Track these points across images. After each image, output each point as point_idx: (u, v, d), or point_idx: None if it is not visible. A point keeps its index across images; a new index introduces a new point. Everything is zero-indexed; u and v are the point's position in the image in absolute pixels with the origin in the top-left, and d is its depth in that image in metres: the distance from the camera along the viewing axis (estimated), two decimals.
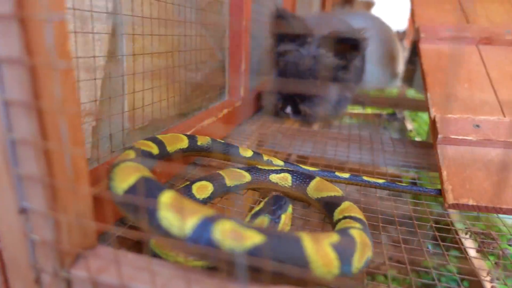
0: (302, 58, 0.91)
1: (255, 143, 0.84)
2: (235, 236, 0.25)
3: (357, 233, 0.35)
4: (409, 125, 1.35)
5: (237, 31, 0.89)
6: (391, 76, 1.75)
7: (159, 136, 0.47)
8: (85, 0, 0.48)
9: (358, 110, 1.47)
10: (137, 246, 0.45)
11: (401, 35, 1.85)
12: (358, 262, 0.32)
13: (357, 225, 0.38)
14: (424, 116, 1.52)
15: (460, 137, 0.62)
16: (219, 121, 0.74)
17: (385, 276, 0.42)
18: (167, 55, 0.68)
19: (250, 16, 0.91)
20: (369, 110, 1.47)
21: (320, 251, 0.28)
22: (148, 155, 0.39)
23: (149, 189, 0.27)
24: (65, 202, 0.25)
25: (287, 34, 0.93)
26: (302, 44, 0.92)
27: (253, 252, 0.25)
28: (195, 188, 0.48)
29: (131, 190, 0.28)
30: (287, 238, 0.27)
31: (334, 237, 0.31)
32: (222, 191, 0.52)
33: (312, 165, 0.70)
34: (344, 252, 0.30)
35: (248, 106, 0.99)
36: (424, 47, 0.85)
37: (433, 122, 0.66)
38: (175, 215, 0.26)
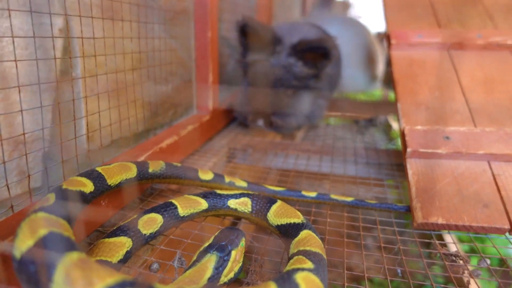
0: (272, 68, 0.88)
1: (224, 159, 0.81)
2: None
3: (304, 277, 0.32)
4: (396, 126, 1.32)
5: (203, 42, 0.85)
6: (371, 79, 1.73)
7: (99, 169, 0.43)
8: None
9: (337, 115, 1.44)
10: None
11: (382, 36, 1.83)
12: None
13: (308, 264, 0.35)
14: None
15: (430, 151, 0.59)
16: (182, 140, 0.71)
17: None
18: (128, 71, 0.63)
19: (216, 26, 0.87)
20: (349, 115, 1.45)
21: None
22: (78, 195, 0.35)
23: (45, 254, 0.24)
24: None
25: (255, 44, 0.89)
26: (271, 54, 0.89)
27: None
28: (141, 223, 0.44)
29: (28, 254, 0.24)
30: None
31: None
32: (174, 222, 0.48)
33: (282, 178, 0.67)
34: None
35: (219, 119, 0.95)
36: (395, 54, 0.82)
37: (402, 135, 0.63)
38: None
